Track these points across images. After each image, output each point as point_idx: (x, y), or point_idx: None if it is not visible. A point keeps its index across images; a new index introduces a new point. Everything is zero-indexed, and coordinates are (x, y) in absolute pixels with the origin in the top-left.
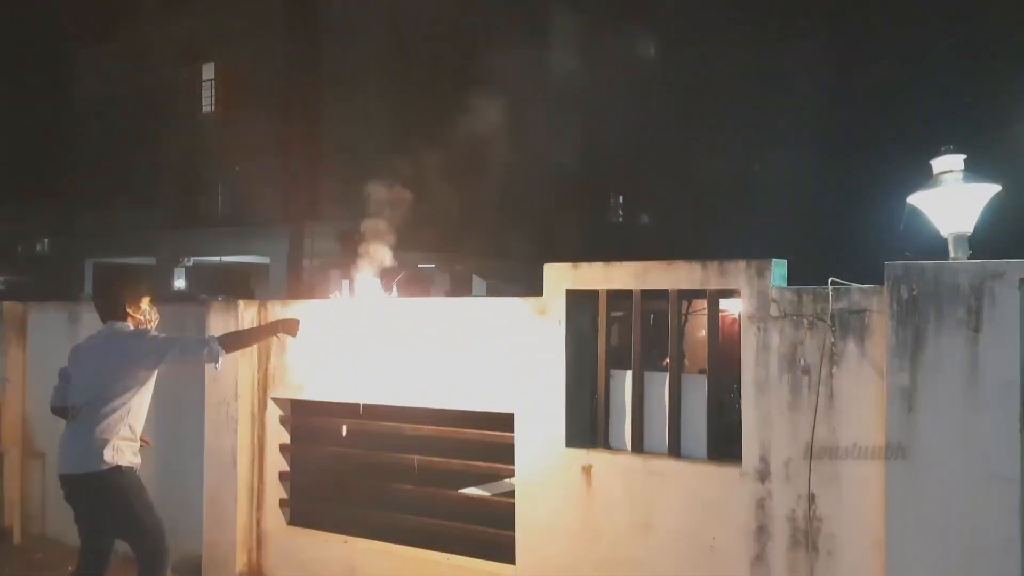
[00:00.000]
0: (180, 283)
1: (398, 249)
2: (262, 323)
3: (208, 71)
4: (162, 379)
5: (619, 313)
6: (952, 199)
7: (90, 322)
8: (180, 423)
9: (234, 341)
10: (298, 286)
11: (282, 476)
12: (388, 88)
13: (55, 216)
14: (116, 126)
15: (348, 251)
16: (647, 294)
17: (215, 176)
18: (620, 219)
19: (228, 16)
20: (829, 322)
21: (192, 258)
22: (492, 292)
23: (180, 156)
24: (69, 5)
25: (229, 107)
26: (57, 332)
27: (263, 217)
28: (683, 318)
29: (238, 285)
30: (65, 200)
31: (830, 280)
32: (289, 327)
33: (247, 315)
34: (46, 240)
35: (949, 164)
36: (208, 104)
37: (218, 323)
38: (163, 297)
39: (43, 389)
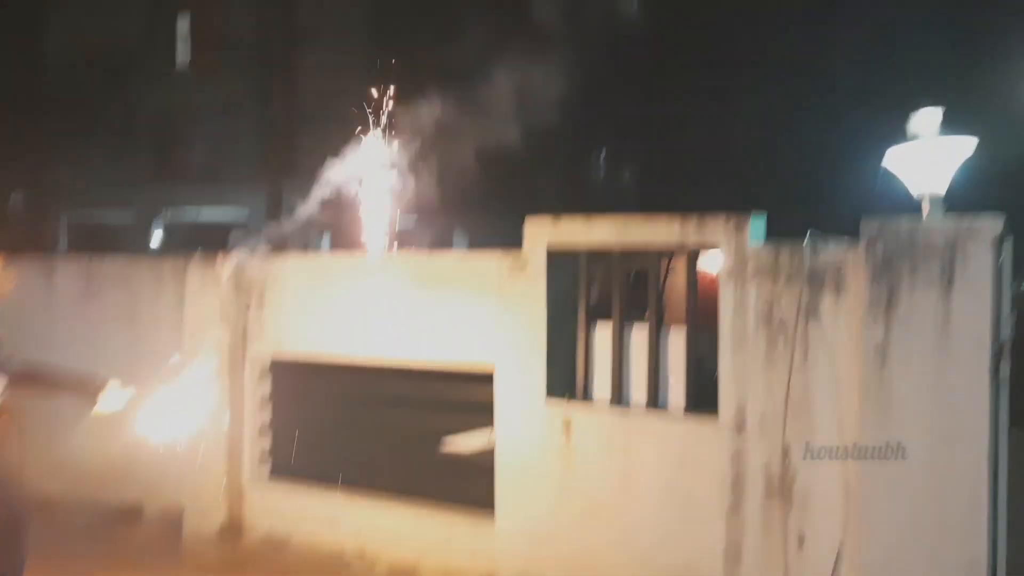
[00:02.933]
0: (157, 239)
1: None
2: (235, 280)
3: (184, 23)
4: (142, 333)
5: (599, 267)
6: (927, 157)
7: (67, 278)
8: (153, 378)
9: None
10: (276, 243)
11: (262, 429)
12: (364, 40)
13: (28, 170)
14: (91, 78)
15: (327, 207)
16: (628, 249)
17: (191, 130)
18: (601, 174)
19: None
20: (805, 278)
21: (170, 212)
22: (473, 247)
23: (156, 109)
24: None
25: (204, 60)
26: (32, 288)
27: (240, 172)
28: (664, 273)
29: (217, 244)
30: (39, 154)
31: (808, 234)
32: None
33: (224, 270)
34: (18, 194)
35: (926, 119)
36: (184, 56)
37: (196, 280)
38: (139, 252)
39: (18, 346)
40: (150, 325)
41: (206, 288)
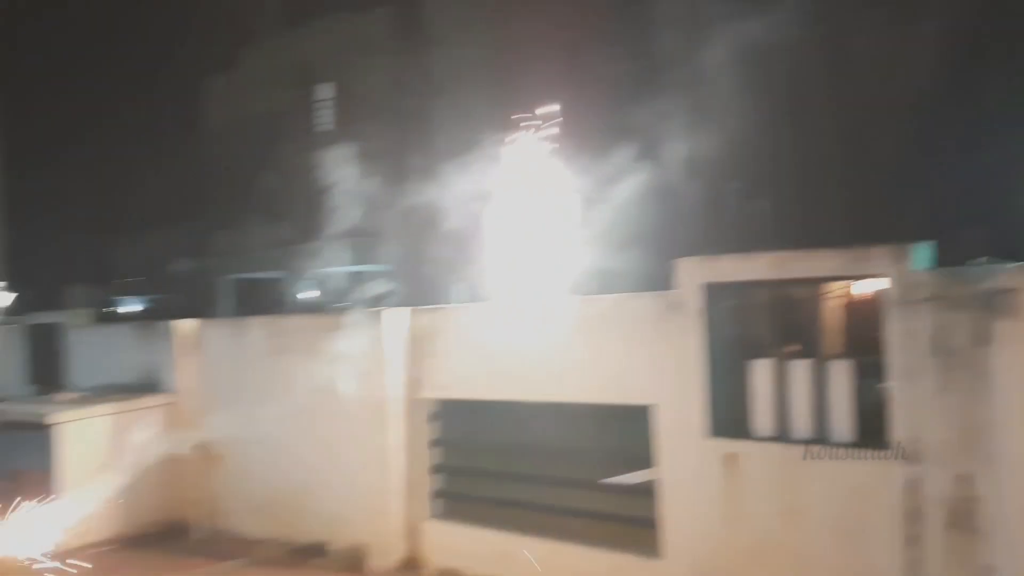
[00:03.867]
0: (308, 294)
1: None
2: (410, 331)
3: (324, 91)
4: (321, 383)
5: (755, 303)
6: None
7: (255, 337)
8: (332, 423)
9: None
10: (417, 292)
11: (433, 471)
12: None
13: (194, 237)
14: (243, 149)
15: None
16: (783, 283)
17: (336, 191)
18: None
19: (340, 39)
20: (977, 303)
21: (317, 268)
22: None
23: (302, 174)
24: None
25: (344, 124)
26: (226, 345)
27: (381, 229)
28: (821, 305)
29: (364, 293)
30: (202, 222)
31: (979, 260)
32: None
33: (393, 323)
34: (186, 260)
35: None
36: (326, 122)
37: (368, 333)
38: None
39: (215, 398)
40: (330, 376)
41: (377, 340)
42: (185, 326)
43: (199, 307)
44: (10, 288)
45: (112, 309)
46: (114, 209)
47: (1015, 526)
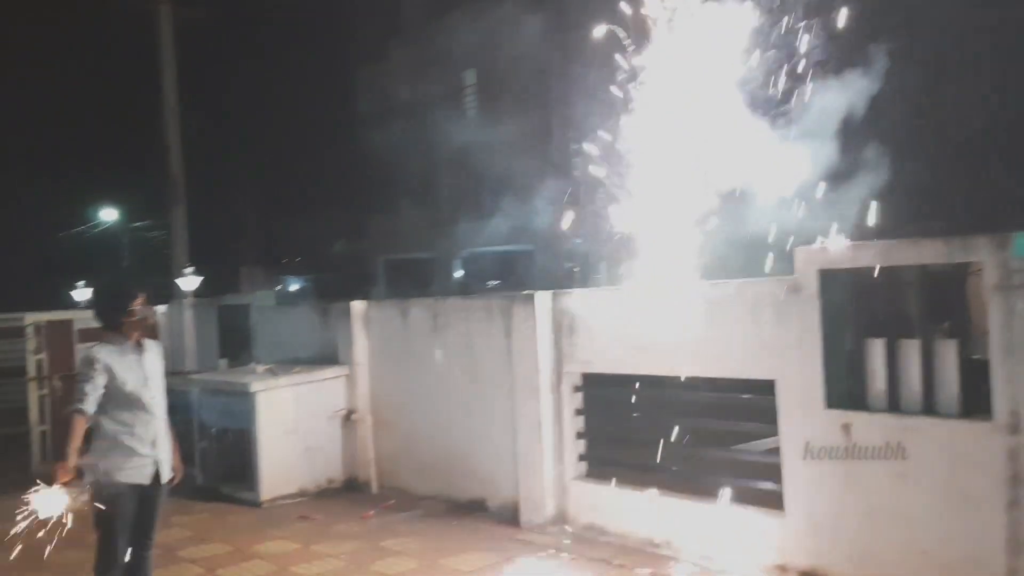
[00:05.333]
0: (458, 273)
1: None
2: (552, 312)
3: (470, 77)
4: (478, 359)
5: (867, 288)
6: None
7: (417, 316)
8: (487, 394)
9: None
10: (557, 272)
11: (578, 435)
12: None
13: (351, 220)
14: (397, 136)
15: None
16: (892, 270)
17: (483, 175)
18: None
19: (486, 28)
20: None
21: (467, 248)
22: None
23: (450, 159)
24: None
25: (489, 110)
26: (391, 324)
27: (525, 211)
28: (930, 289)
29: (507, 272)
30: (359, 205)
31: None
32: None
33: (542, 305)
34: (343, 241)
35: None
36: (472, 108)
37: (520, 314)
38: (446, 288)
39: (383, 371)
40: (484, 352)
41: (527, 320)
42: (358, 306)
43: (356, 286)
44: (196, 272)
45: (280, 288)
46: (279, 194)
47: None
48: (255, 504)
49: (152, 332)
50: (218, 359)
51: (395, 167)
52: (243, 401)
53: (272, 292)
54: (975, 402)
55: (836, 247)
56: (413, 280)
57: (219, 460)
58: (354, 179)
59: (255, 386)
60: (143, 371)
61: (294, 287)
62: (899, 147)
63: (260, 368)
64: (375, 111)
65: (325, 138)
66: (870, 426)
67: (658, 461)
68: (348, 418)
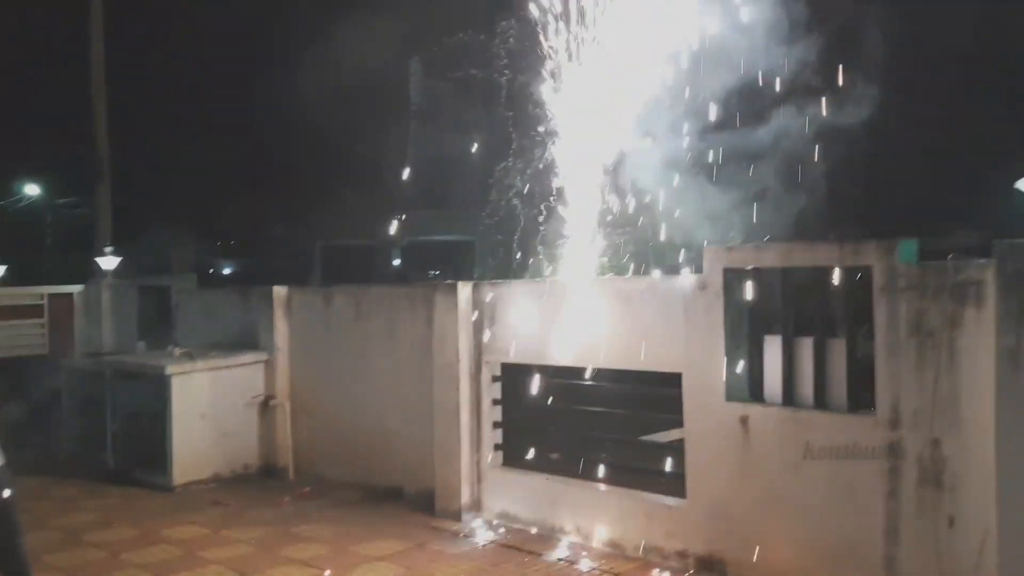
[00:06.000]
0: (397, 262)
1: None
2: (476, 302)
3: (417, 65)
4: (399, 346)
5: (768, 287)
6: None
7: (340, 303)
8: (407, 382)
9: None
10: (498, 262)
11: (495, 425)
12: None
13: (291, 204)
14: (340, 120)
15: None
16: (791, 271)
17: (425, 163)
18: None
19: (435, 13)
20: (948, 293)
21: (407, 236)
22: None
23: (395, 146)
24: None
25: (436, 100)
26: (314, 310)
27: (467, 200)
28: (823, 290)
29: (446, 262)
30: (299, 189)
31: (949, 257)
32: None
33: (463, 295)
34: (281, 226)
35: None
36: (416, 96)
37: (442, 303)
38: (384, 277)
39: (304, 357)
40: (406, 341)
41: (449, 309)
42: (279, 291)
43: (292, 271)
44: (116, 252)
45: (212, 271)
46: (216, 175)
47: (974, 483)
48: (168, 489)
49: None
50: (136, 341)
51: (338, 152)
52: (157, 384)
53: (194, 275)
54: (864, 398)
55: (740, 247)
56: (351, 268)
57: (132, 444)
58: (295, 162)
59: (170, 369)
60: None
61: (227, 270)
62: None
63: (177, 351)
64: (320, 93)
65: (266, 119)
66: (766, 419)
67: (571, 450)
68: (266, 404)
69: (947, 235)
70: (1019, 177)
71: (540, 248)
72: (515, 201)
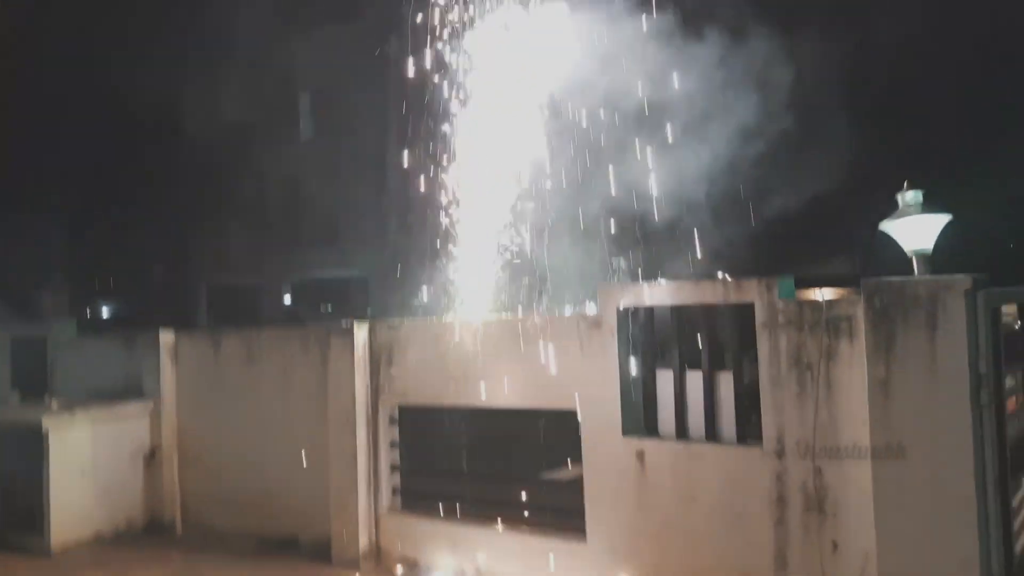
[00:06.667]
0: (287, 301)
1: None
2: (372, 343)
3: (306, 100)
4: (293, 391)
5: (660, 323)
6: (914, 225)
7: (231, 348)
8: (302, 428)
9: None
10: (393, 299)
11: (393, 468)
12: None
13: (173, 241)
14: (226, 155)
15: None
16: (681, 308)
17: (316, 198)
18: None
19: (324, 48)
20: (823, 327)
21: (298, 273)
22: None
23: (283, 181)
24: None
25: (325, 133)
26: (203, 356)
27: (359, 234)
28: (712, 325)
29: (339, 299)
30: (180, 226)
31: (822, 293)
32: None
33: (359, 336)
34: (160, 265)
35: (911, 198)
36: (308, 131)
37: (337, 346)
38: (274, 317)
39: (193, 405)
40: (300, 385)
41: (345, 351)
42: (165, 336)
43: (177, 313)
44: None
45: (92, 314)
46: (92, 213)
47: (853, 508)
48: (45, 553)
49: None
50: (10, 393)
51: (223, 188)
52: (32, 440)
53: (74, 321)
54: (752, 429)
55: (632, 286)
56: (240, 308)
57: (4, 505)
58: (178, 198)
59: (46, 423)
60: None
61: (105, 313)
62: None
63: (55, 404)
64: (203, 128)
65: (147, 154)
66: (661, 453)
67: (471, 492)
68: (152, 455)
69: (822, 262)
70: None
71: (435, 286)
72: (408, 237)
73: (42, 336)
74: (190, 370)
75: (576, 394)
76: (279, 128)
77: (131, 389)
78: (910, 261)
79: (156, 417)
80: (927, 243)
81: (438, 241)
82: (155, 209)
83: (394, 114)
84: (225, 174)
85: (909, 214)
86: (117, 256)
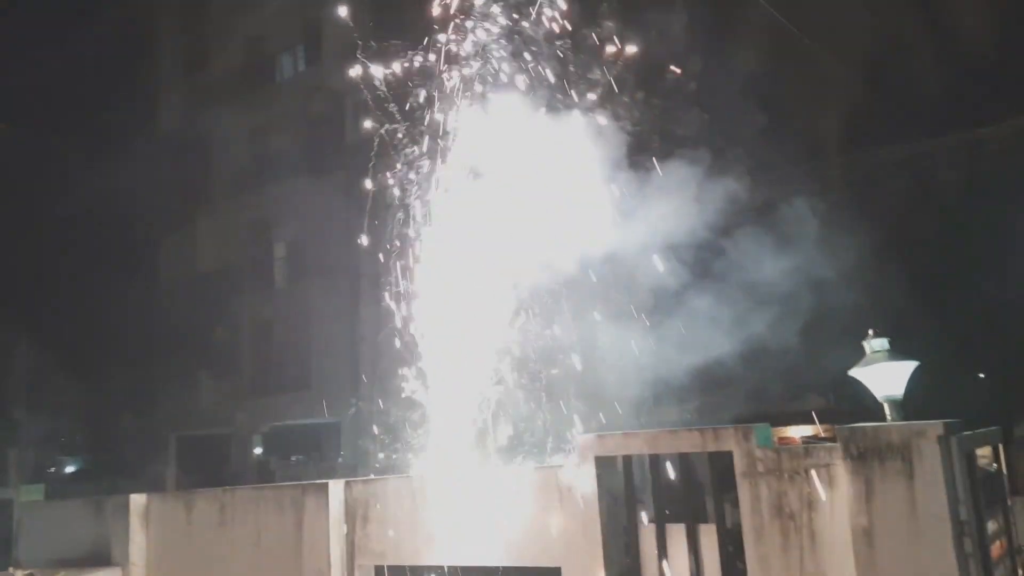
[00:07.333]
0: (258, 450)
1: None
2: (348, 501)
3: (280, 249)
4: (267, 552)
5: (640, 473)
6: (883, 372)
7: (203, 509)
8: None
9: None
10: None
11: None
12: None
13: (139, 392)
14: (196, 303)
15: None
16: (659, 457)
17: (287, 346)
18: None
19: (297, 199)
20: (803, 475)
21: (268, 422)
22: None
23: (254, 329)
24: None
25: (298, 282)
26: (174, 518)
27: (331, 383)
28: (691, 475)
29: (310, 447)
30: (148, 375)
31: (801, 440)
32: None
33: (334, 495)
34: (128, 415)
35: (877, 345)
36: (280, 279)
37: (312, 505)
38: (244, 466)
39: (163, 571)
40: (274, 547)
41: (319, 511)
42: (137, 500)
43: (144, 465)
44: None
45: (58, 471)
46: (56, 361)
47: None
48: None
49: None
50: None
51: (191, 336)
52: None
53: (41, 485)
54: None
55: (610, 435)
56: (209, 458)
57: None
58: (144, 347)
59: None
60: None
61: (71, 468)
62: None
63: (19, 573)
64: (174, 275)
65: (112, 301)
66: None
67: None
68: None
69: (797, 400)
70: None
71: (409, 435)
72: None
73: (7, 500)
74: (161, 534)
75: (558, 550)
76: (252, 276)
77: (100, 555)
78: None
79: None
80: (897, 389)
81: (411, 389)
82: (123, 358)
83: (366, 265)
84: (194, 325)
85: (877, 361)
86: (85, 407)
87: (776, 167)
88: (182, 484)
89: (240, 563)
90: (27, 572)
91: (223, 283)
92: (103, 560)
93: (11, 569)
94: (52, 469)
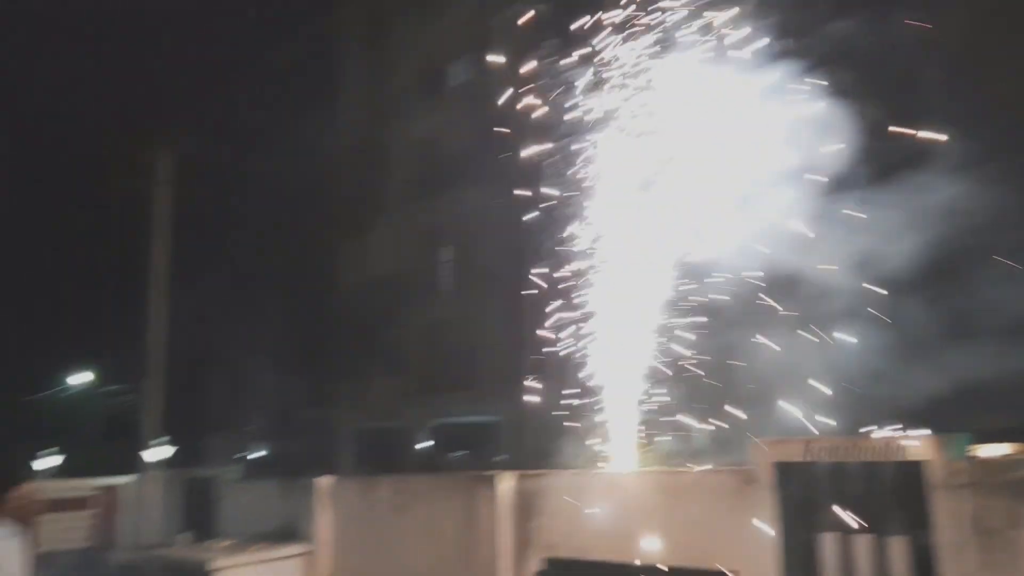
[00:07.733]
0: (425, 444)
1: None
2: (518, 493)
3: (447, 253)
4: (440, 539)
5: (822, 482)
6: None
7: (380, 495)
8: None
9: None
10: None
11: None
12: None
13: (321, 388)
14: (371, 306)
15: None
16: (842, 465)
17: (454, 347)
18: None
19: (465, 208)
20: (1010, 488)
21: (436, 418)
22: None
23: (424, 330)
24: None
25: (464, 286)
26: (355, 501)
27: (494, 382)
28: (879, 485)
29: (475, 442)
30: (328, 373)
31: (1008, 449)
32: None
33: (505, 486)
34: (310, 410)
35: None
36: (447, 283)
37: (483, 495)
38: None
39: (346, 549)
40: (446, 534)
41: (489, 501)
42: (321, 482)
43: (323, 456)
44: (171, 442)
45: (249, 457)
46: (249, 360)
47: None
48: None
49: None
50: (181, 533)
51: (367, 336)
52: None
53: (239, 465)
54: None
55: (789, 441)
56: (381, 450)
57: None
58: (326, 346)
59: (211, 564)
60: None
61: (257, 455)
62: None
63: (221, 544)
64: (351, 280)
65: (299, 304)
66: None
67: None
68: None
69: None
70: None
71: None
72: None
73: (211, 477)
74: (343, 515)
75: (731, 554)
76: (422, 281)
77: (287, 530)
78: None
79: (311, 560)
80: None
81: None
82: (307, 356)
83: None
84: (373, 324)
85: None
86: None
87: None
88: (358, 472)
89: (414, 547)
90: (229, 543)
91: (396, 287)
92: (290, 535)
93: (214, 540)
94: (242, 455)
